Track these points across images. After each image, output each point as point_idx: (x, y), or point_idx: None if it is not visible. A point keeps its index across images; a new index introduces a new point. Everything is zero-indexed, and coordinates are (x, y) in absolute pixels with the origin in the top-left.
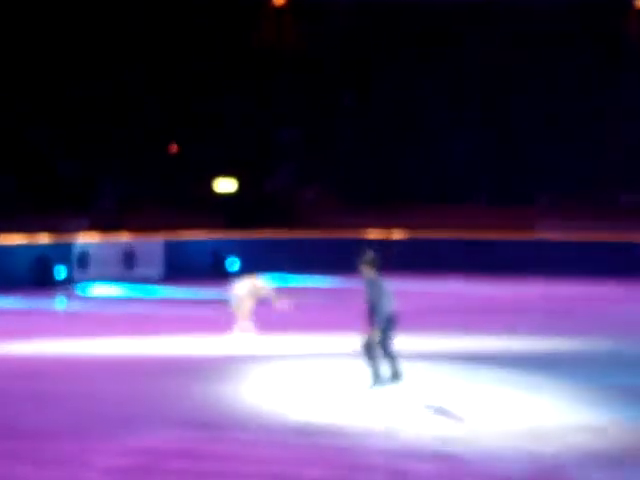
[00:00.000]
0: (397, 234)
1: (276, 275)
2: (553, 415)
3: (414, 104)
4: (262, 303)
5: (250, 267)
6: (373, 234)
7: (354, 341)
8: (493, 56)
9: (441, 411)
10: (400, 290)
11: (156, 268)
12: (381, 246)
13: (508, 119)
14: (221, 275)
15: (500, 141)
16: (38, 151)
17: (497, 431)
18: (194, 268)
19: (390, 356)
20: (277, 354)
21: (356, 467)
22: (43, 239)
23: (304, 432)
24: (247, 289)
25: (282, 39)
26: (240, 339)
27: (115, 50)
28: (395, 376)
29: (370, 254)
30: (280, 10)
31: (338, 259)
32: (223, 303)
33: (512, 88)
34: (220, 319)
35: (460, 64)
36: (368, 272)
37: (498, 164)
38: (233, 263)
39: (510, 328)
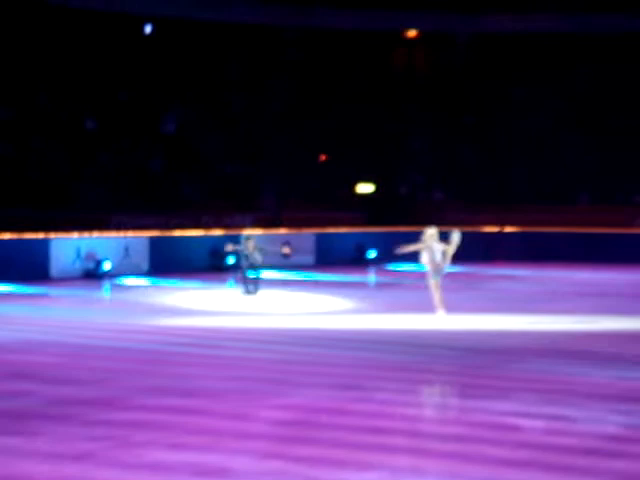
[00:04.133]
0: (509, 229)
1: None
2: None
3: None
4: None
5: (385, 257)
6: (488, 229)
7: None
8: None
9: None
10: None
11: (309, 257)
12: (495, 239)
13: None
14: (362, 263)
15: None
16: (212, 159)
17: None
18: (340, 257)
19: None
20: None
21: None
22: (217, 232)
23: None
24: (432, 237)
25: (414, 66)
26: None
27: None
28: None
29: None
30: (412, 41)
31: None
32: (366, 285)
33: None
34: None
35: (572, 85)
36: None
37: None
38: (372, 253)
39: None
